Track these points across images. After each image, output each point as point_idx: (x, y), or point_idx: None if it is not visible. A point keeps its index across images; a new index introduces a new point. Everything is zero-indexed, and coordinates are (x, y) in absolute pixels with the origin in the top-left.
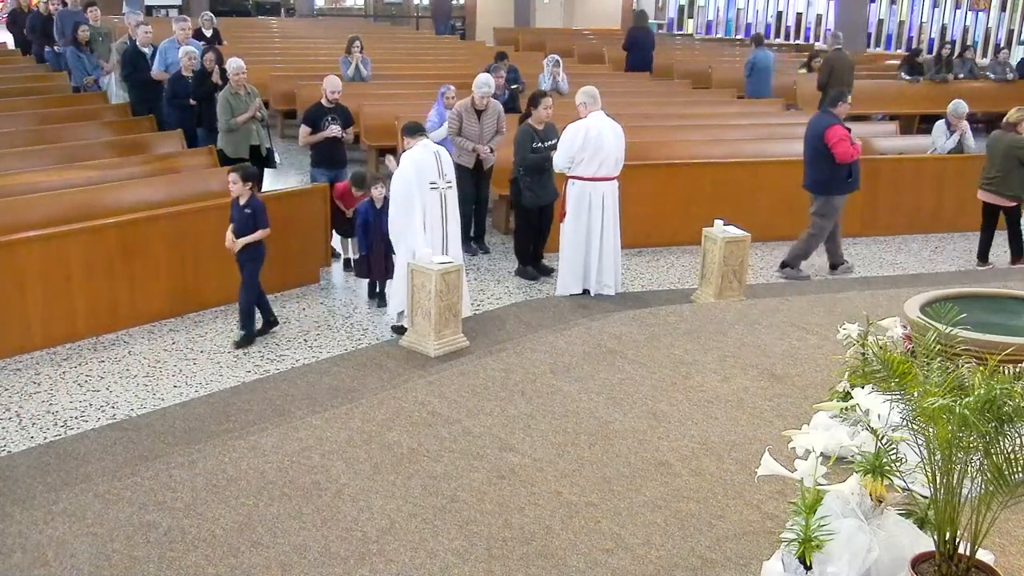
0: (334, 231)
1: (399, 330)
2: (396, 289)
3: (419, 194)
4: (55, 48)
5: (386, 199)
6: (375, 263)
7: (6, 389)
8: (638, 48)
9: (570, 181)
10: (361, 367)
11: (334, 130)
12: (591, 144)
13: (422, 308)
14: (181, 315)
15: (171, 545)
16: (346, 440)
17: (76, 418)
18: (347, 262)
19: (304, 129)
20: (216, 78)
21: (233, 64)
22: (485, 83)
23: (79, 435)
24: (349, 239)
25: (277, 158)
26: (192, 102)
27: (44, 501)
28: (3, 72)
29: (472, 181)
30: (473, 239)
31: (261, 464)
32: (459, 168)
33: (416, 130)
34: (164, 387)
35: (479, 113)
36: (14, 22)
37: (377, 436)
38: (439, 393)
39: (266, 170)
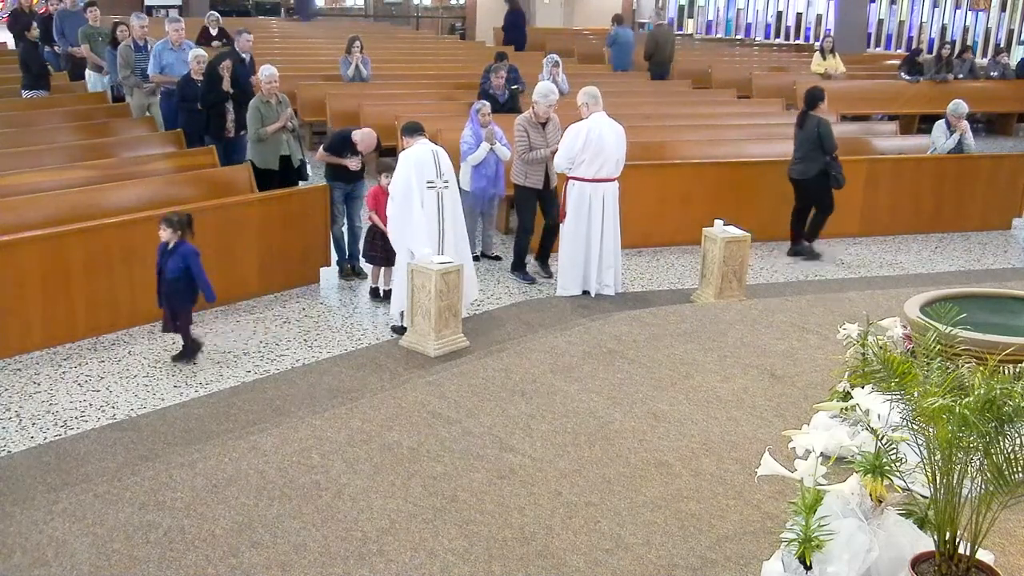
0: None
1: (399, 330)
2: (397, 289)
3: (418, 192)
4: (55, 48)
5: (179, 241)
6: (169, 316)
7: (6, 389)
8: (514, 28)
9: (570, 182)
10: (361, 367)
11: (352, 164)
12: (592, 146)
13: (422, 308)
14: None
15: (171, 545)
16: (346, 440)
17: (76, 418)
18: (374, 291)
19: (322, 152)
20: (227, 86)
21: (266, 72)
22: (550, 91)
23: (79, 435)
24: (383, 268)
25: (309, 170)
26: (200, 108)
27: (44, 501)
28: (3, 72)
29: (536, 205)
30: (538, 260)
31: (261, 464)
32: (525, 191)
33: (415, 130)
34: (164, 387)
35: (542, 125)
36: (16, 22)
37: (377, 436)
38: (439, 393)
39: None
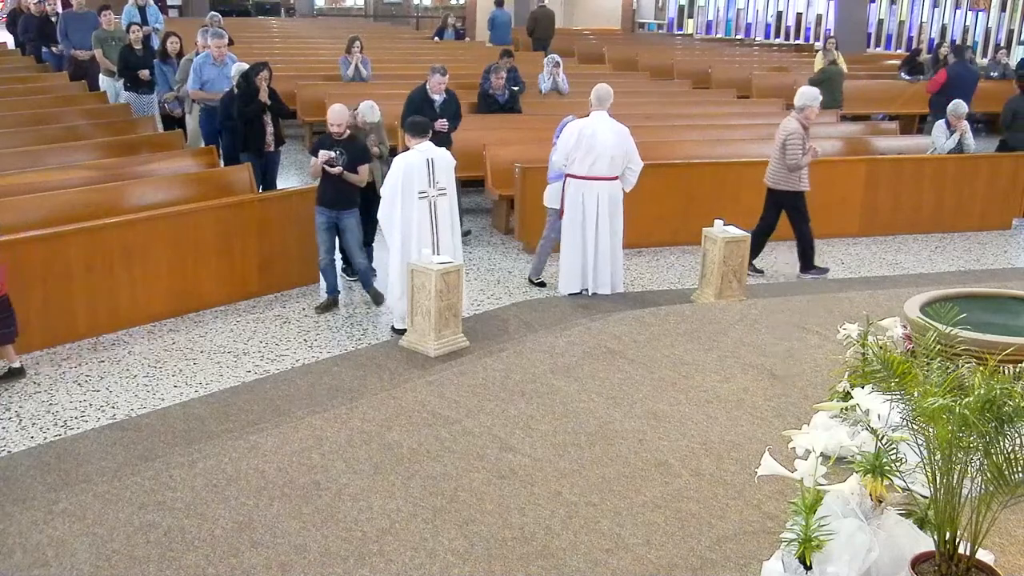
0: None
1: (399, 330)
2: (391, 291)
3: (404, 202)
4: (54, 49)
5: None
6: None
7: (6, 389)
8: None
9: (567, 179)
10: (361, 367)
11: (326, 156)
12: (583, 143)
13: (422, 308)
14: (181, 315)
15: (171, 545)
16: (346, 440)
17: (76, 418)
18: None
19: (312, 159)
20: (265, 97)
21: (363, 107)
22: (817, 93)
23: (79, 435)
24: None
25: None
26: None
27: (44, 501)
28: (3, 72)
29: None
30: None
31: (261, 464)
32: (798, 196)
33: (420, 130)
34: (164, 387)
35: (806, 129)
36: (14, 22)
37: (377, 436)
38: (439, 393)
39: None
